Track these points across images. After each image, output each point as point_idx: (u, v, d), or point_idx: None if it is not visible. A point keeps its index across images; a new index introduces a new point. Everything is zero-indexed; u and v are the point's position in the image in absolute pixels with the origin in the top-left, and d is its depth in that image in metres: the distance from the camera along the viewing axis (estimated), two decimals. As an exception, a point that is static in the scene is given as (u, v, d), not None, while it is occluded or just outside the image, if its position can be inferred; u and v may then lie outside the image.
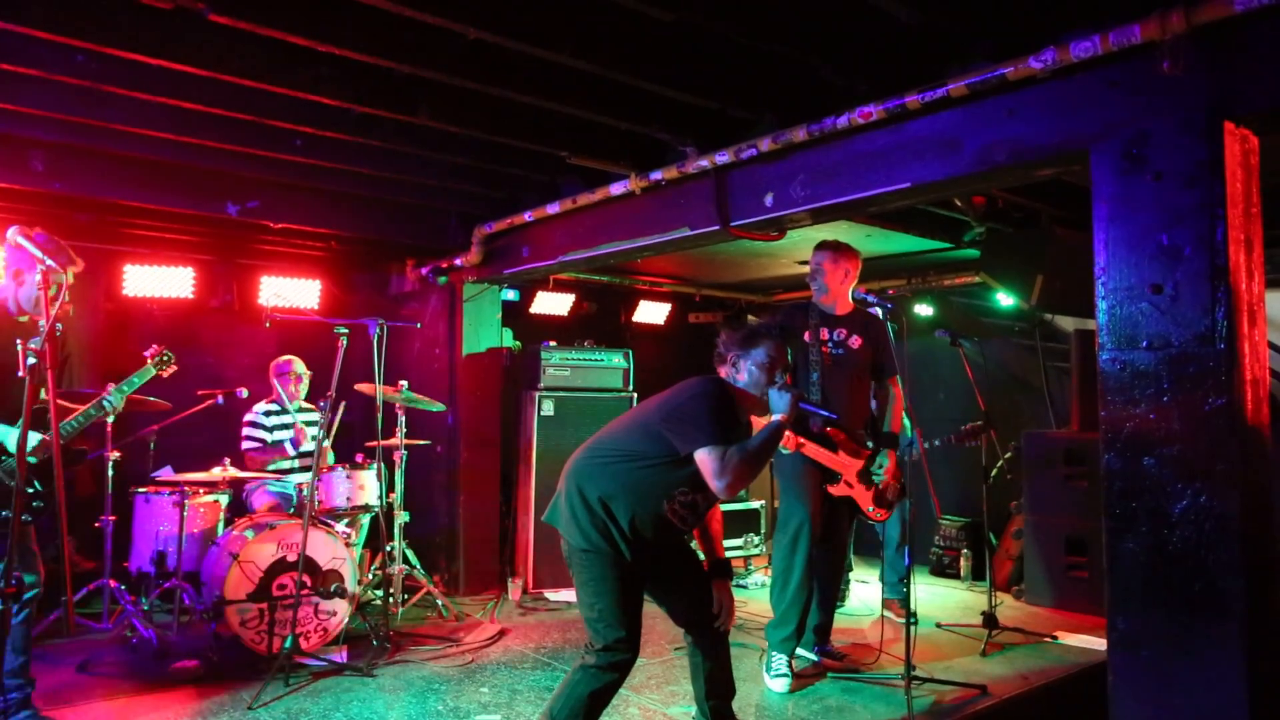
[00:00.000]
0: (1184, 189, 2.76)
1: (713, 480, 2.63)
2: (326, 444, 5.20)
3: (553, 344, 6.26)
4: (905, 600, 3.99)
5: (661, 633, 4.88)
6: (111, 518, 4.77)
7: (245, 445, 5.26)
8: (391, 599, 4.87)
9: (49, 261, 2.69)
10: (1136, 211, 2.86)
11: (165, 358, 3.80)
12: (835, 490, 4.11)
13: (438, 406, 5.35)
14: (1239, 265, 2.72)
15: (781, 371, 2.87)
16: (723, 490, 2.63)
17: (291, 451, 5.25)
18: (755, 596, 5.92)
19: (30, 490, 3.24)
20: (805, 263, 6.31)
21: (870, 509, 4.17)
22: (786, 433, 3.84)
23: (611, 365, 6.36)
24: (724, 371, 2.94)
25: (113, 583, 4.71)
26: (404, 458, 5.14)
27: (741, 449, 2.66)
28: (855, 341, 4.22)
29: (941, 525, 6.76)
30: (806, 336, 4.12)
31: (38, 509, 3.28)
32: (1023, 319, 6.81)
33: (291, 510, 4.89)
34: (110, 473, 4.78)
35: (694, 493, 2.80)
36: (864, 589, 6.04)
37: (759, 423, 2.88)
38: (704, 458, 2.64)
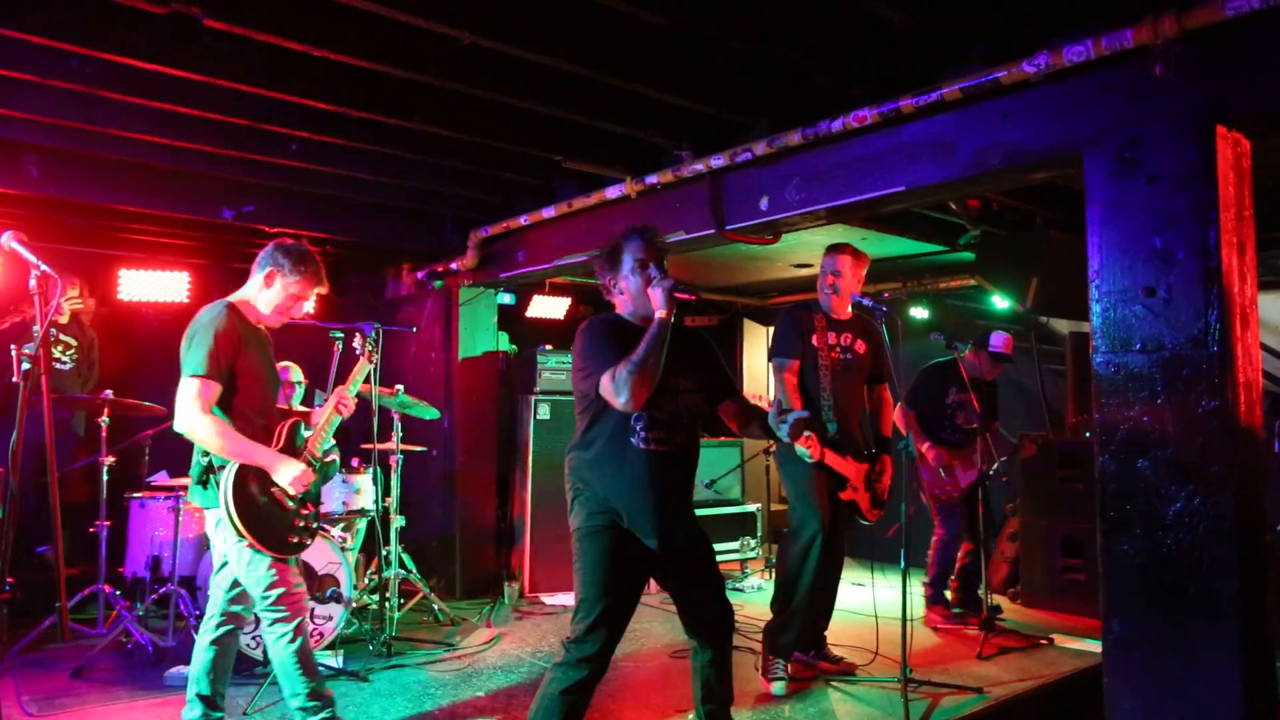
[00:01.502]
0: (1177, 192, 2.77)
1: (614, 400, 2.60)
2: (335, 450, 5.19)
3: (549, 348, 6.26)
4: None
5: (658, 637, 4.88)
6: (106, 523, 4.76)
7: None
8: (387, 603, 4.86)
9: (44, 267, 2.68)
10: (1130, 215, 2.88)
11: (372, 345, 3.88)
12: (844, 495, 4.14)
13: (432, 413, 5.35)
14: (1232, 268, 2.73)
15: (655, 266, 2.78)
16: (626, 405, 2.59)
17: None
18: (752, 600, 5.92)
19: None
20: (802, 266, 6.39)
21: (867, 510, 4.22)
22: (813, 441, 3.87)
23: (607, 369, 6.35)
24: (616, 303, 2.92)
25: (108, 588, 4.70)
26: (400, 462, 5.14)
27: (628, 361, 2.59)
28: (860, 346, 4.26)
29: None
30: (815, 340, 4.13)
31: None
32: (1018, 322, 6.83)
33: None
34: (105, 478, 4.77)
35: (650, 411, 2.69)
36: (858, 591, 6.04)
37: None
38: (606, 385, 2.61)
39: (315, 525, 3.29)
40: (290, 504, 3.18)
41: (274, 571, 3.10)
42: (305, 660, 3.14)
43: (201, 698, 3.21)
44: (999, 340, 5.37)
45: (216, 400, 3.06)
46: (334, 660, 4.34)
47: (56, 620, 4.37)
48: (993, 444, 5.13)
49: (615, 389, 2.59)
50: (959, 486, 5.23)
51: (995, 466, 5.08)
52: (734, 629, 3.00)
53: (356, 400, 3.51)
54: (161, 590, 4.53)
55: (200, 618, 4.19)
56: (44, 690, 3.96)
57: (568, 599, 5.81)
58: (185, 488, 4.62)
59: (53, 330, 2.72)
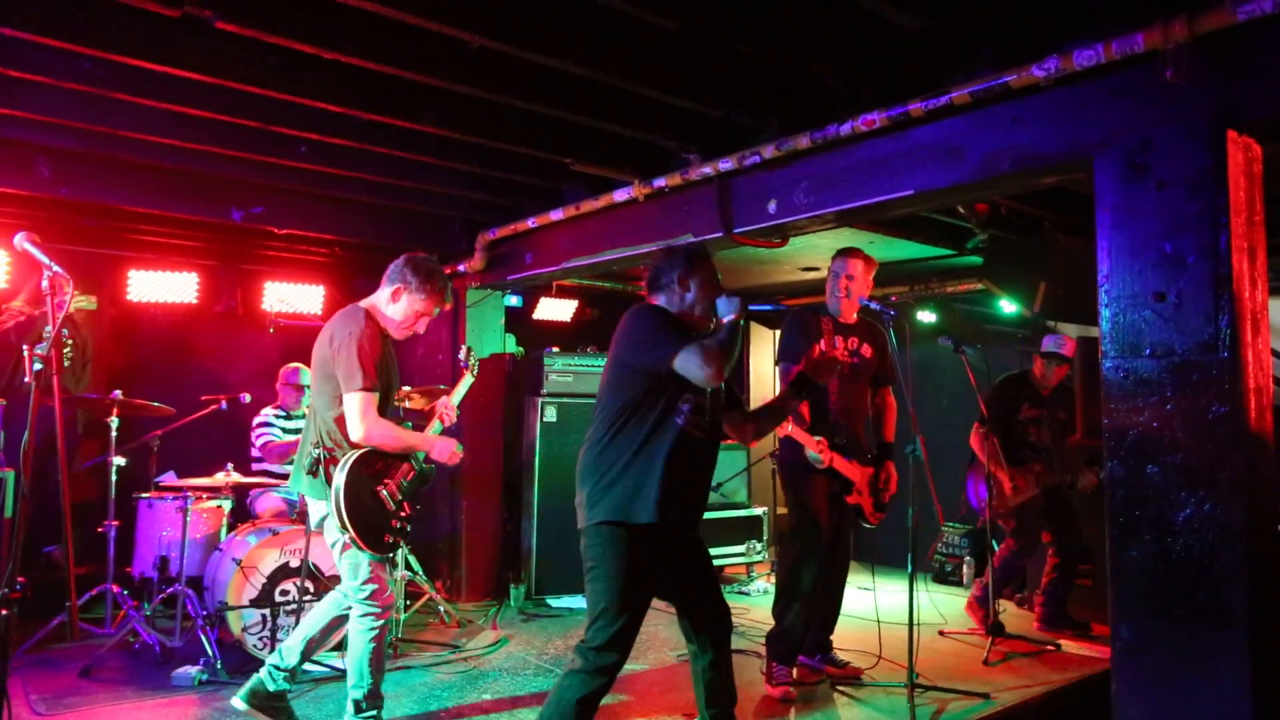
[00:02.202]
0: (1187, 197, 2.76)
1: (697, 371, 2.70)
2: None
3: (555, 350, 6.27)
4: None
5: (663, 640, 4.87)
6: (115, 523, 4.78)
7: (264, 438, 5.29)
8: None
9: (55, 268, 2.70)
10: (1140, 219, 2.87)
11: (474, 361, 4.09)
12: (849, 499, 4.14)
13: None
14: (1242, 273, 2.72)
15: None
16: (710, 378, 2.72)
17: None
18: (757, 604, 5.91)
19: None
20: (809, 269, 6.38)
21: (871, 514, 4.23)
22: (823, 445, 3.93)
23: (614, 371, 6.35)
24: (661, 299, 3.01)
25: (116, 588, 4.72)
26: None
27: (713, 339, 2.77)
28: (866, 351, 4.26)
29: (944, 532, 6.75)
30: (822, 344, 4.12)
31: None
32: (1025, 326, 6.80)
33: (294, 516, 4.89)
34: (114, 477, 4.79)
35: (693, 396, 2.84)
36: (863, 595, 6.02)
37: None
38: (684, 359, 2.71)
39: (409, 528, 3.41)
40: (392, 504, 3.35)
41: (371, 567, 3.30)
42: (378, 659, 3.34)
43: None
44: (1049, 341, 5.25)
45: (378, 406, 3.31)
46: (340, 661, 4.35)
47: (65, 619, 4.40)
48: (1056, 465, 5.08)
49: (704, 359, 2.69)
50: (1006, 505, 5.07)
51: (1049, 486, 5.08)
52: (732, 629, 3.02)
53: (458, 410, 3.80)
54: (169, 590, 4.55)
55: (208, 618, 4.23)
56: (52, 689, 3.98)
57: (574, 601, 5.82)
58: (194, 488, 4.65)
59: (48, 331, 2.73)
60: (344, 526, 3.20)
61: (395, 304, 3.40)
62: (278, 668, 3.45)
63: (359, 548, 3.23)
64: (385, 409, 3.38)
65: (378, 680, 3.36)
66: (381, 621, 3.33)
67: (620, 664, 2.74)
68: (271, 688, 3.44)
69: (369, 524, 3.26)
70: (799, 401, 3.23)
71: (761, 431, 3.20)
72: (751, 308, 3.05)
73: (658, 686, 4.16)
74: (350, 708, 3.35)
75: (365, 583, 3.30)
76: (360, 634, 3.31)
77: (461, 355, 4.10)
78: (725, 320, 2.86)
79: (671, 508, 2.78)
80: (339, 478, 3.22)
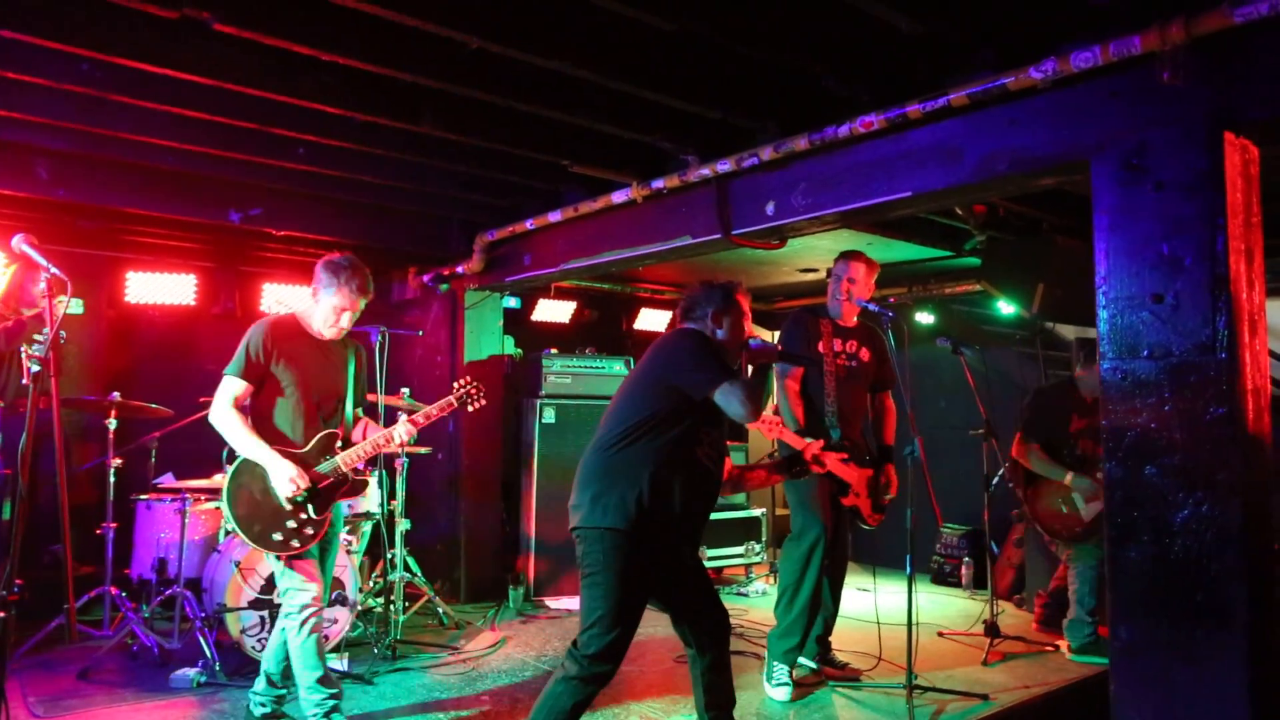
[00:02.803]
0: (1184, 199, 2.77)
1: (738, 408, 2.76)
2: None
3: (554, 351, 6.27)
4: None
5: (661, 641, 4.87)
6: (113, 525, 4.77)
7: None
8: (392, 606, 4.86)
9: (53, 270, 2.70)
10: (1137, 221, 2.87)
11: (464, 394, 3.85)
12: (847, 501, 4.14)
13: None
14: (1240, 275, 2.72)
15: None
16: (748, 416, 2.78)
17: None
18: (756, 605, 5.91)
19: None
20: (808, 271, 6.38)
21: (869, 516, 4.23)
22: (816, 450, 3.92)
23: (613, 373, 6.36)
24: (691, 328, 3.05)
25: (114, 590, 4.71)
26: (405, 465, 5.14)
27: (749, 379, 2.88)
28: (864, 354, 4.27)
29: (943, 533, 6.76)
30: (820, 347, 4.12)
31: None
32: (1024, 327, 6.81)
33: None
34: (112, 479, 4.79)
35: (714, 430, 2.92)
36: (862, 596, 6.03)
37: None
38: (727, 392, 2.76)
39: (313, 532, 3.36)
40: (287, 505, 3.30)
41: (287, 564, 3.32)
42: (308, 654, 3.33)
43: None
44: None
45: (245, 398, 3.33)
46: (339, 663, 4.35)
47: (64, 622, 4.39)
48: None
49: (746, 397, 2.76)
50: (1081, 520, 4.66)
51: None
52: (730, 631, 3.02)
53: (412, 438, 3.67)
54: (167, 592, 4.54)
55: (206, 619, 4.23)
56: (50, 691, 3.97)
57: (572, 603, 5.82)
58: (192, 490, 4.65)
59: (42, 333, 2.74)
60: (227, 519, 3.29)
61: (316, 303, 3.45)
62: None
63: (247, 543, 3.31)
64: (301, 411, 3.38)
65: (323, 670, 3.37)
66: (298, 620, 3.31)
67: (613, 672, 2.75)
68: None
69: (254, 519, 3.28)
70: (785, 476, 3.32)
71: (738, 488, 3.28)
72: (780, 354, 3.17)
73: (656, 688, 4.15)
74: (307, 707, 3.37)
75: (281, 582, 3.37)
76: (288, 637, 3.34)
77: (457, 385, 3.84)
78: (755, 365, 2.96)
79: (674, 527, 2.82)
80: (228, 472, 3.32)
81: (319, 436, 3.41)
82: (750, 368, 2.99)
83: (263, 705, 3.55)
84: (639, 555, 2.75)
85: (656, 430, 2.81)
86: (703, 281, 3.12)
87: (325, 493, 3.39)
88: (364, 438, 3.57)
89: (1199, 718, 2.69)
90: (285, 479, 3.25)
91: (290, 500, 3.28)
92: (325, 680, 3.37)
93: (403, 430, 3.56)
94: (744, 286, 3.13)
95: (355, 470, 3.48)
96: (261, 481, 3.30)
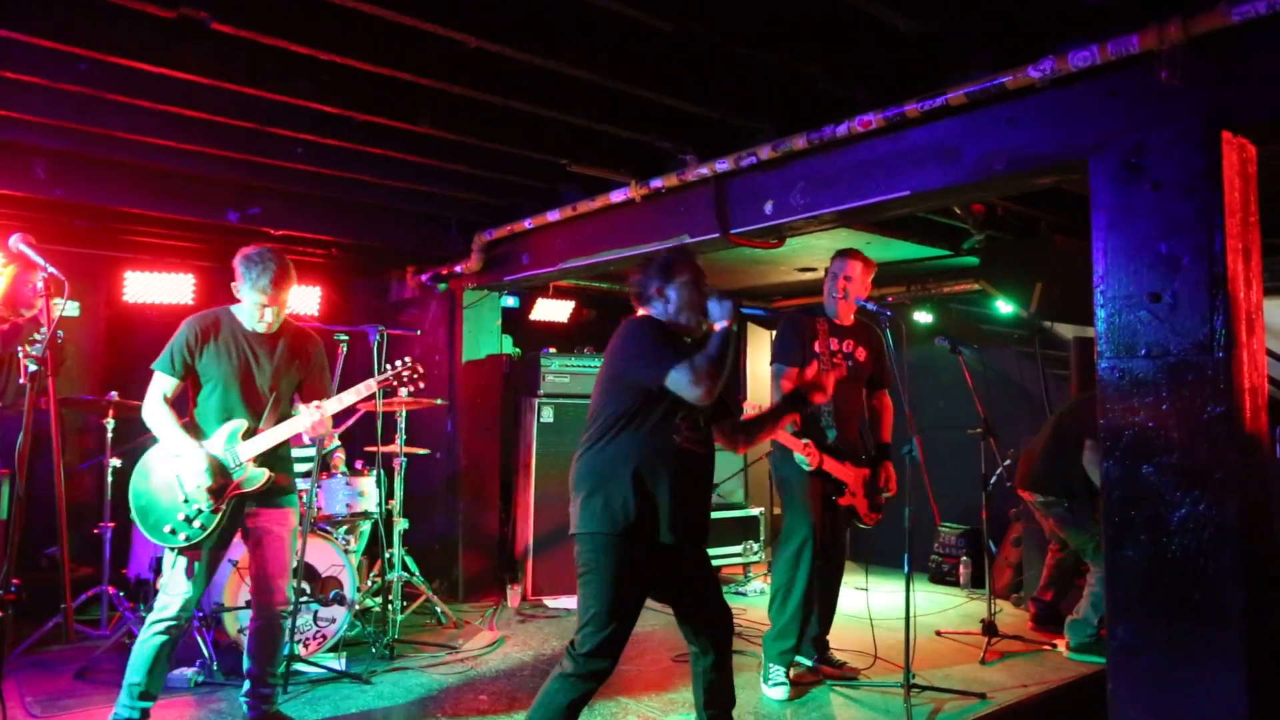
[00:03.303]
0: (1182, 198, 2.77)
1: (688, 390, 2.67)
2: (339, 450, 5.20)
3: (552, 351, 6.27)
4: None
5: (660, 641, 4.88)
6: (110, 524, 4.77)
7: None
8: (390, 606, 4.86)
9: (51, 269, 2.70)
10: (1135, 220, 2.87)
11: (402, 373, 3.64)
12: (843, 501, 4.14)
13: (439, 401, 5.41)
14: (1237, 274, 2.73)
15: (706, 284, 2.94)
16: (701, 398, 2.68)
17: (306, 440, 5.25)
18: (754, 604, 5.91)
19: None
20: (806, 270, 6.38)
21: (866, 515, 4.23)
22: (810, 449, 3.93)
23: (611, 372, 6.35)
24: (650, 311, 2.97)
25: (111, 589, 4.71)
26: (403, 465, 5.14)
27: (704, 355, 2.69)
28: (861, 354, 4.27)
29: (941, 532, 6.77)
30: (817, 346, 4.12)
31: None
32: (1022, 326, 6.82)
33: (291, 517, 4.88)
34: (109, 479, 4.78)
35: (690, 413, 2.83)
36: (859, 596, 6.03)
37: None
38: (676, 377, 2.68)
39: (202, 525, 3.25)
40: (181, 494, 3.26)
41: (170, 562, 3.30)
42: (140, 659, 3.23)
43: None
44: None
45: (172, 391, 3.32)
46: (337, 662, 4.34)
47: (61, 621, 4.39)
48: None
49: (695, 378, 2.65)
50: None
51: None
52: (734, 632, 3.00)
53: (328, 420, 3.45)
54: (164, 592, 4.53)
55: (203, 619, 4.22)
56: (47, 691, 3.97)
57: (570, 602, 5.81)
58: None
59: (40, 333, 2.75)
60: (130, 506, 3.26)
61: (240, 300, 3.40)
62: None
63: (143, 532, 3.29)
64: (228, 404, 3.33)
65: (146, 684, 3.24)
66: (150, 622, 3.23)
67: (610, 669, 2.74)
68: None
69: (149, 508, 3.27)
70: (791, 415, 3.19)
71: (750, 442, 3.17)
72: (744, 310, 2.96)
73: (654, 687, 4.15)
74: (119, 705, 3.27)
75: (162, 580, 3.32)
76: (142, 630, 3.26)
77: (389, 366, 3.64)
78: (717, 327, 2.79)
79: (668, 522, 2.76)
80: (143, 457, 3.32)
81: (227, 427, 3.32)
82: (714, 336, 2.77)
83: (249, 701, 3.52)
84: (630, 554, 2.74)
85: (629, 426, 2.78)
86: (642, 258, 3.06)
87: (226, 487, 3.29)
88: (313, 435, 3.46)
89: (1197, 716, 2.69)
90: (195, 470, 3.21)
91: (195, 491, 3.23)
92: (143, 695, 3.25)
93: (305, 419, 3.35)
94: (689, 249, 3.00)
95: (260, 463, 3.32)
96: (168, 472, 3.27)
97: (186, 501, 3.26)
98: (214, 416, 3.35)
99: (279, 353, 3.45)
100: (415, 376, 3.63)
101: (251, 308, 3.36)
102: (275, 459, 3.40)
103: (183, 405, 3.40)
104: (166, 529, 3.26)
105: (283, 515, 3.46)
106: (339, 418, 4.89)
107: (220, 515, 3.28)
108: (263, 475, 3.31)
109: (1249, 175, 2.85)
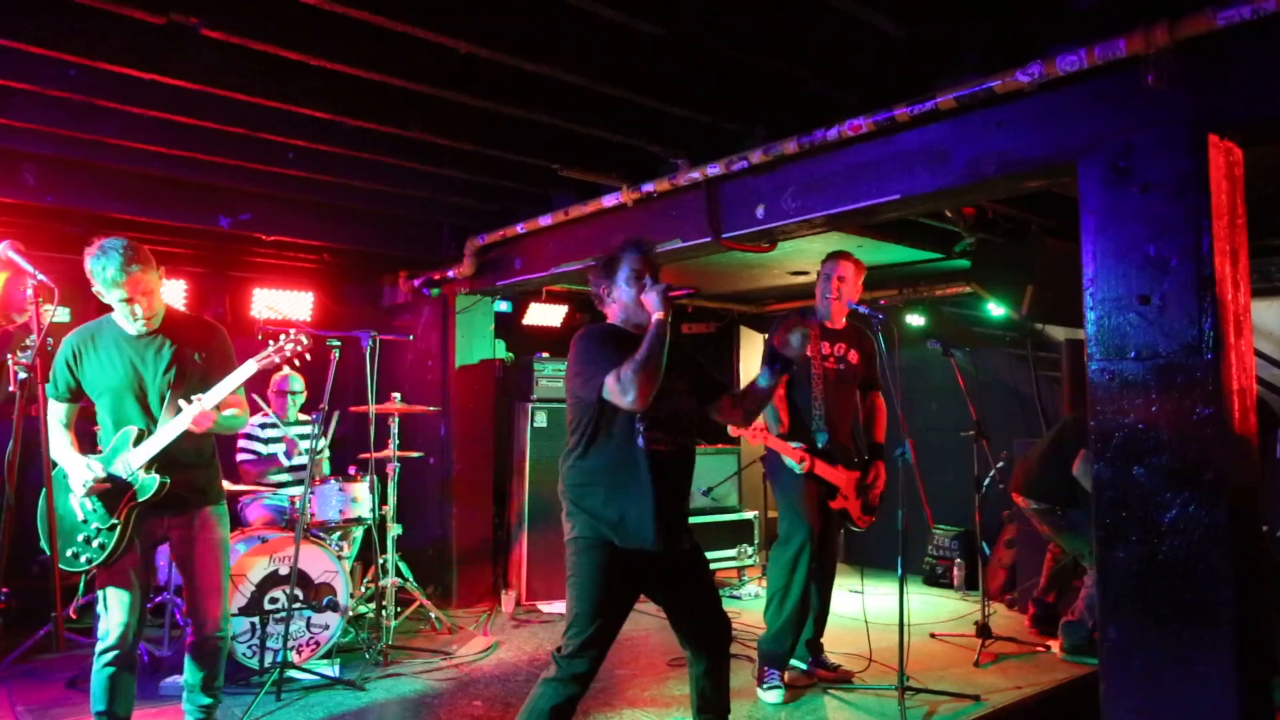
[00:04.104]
0: (1170, 201, 2.78)
1: (619, 400, 2.64)
2: (325, 455, 5.18)
3: (545, 356, 6.27)
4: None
5: (655, 645, 4.87)
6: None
7: (240, 458, 5.25)
8: (384, 612, 4.85)
9: (40, 276, 2.69)
10: (1124, 223, 2.89)
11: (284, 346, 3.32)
12: (835, 504, 4.15)
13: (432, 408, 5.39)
14: (1225, 276, 2.74)
15: (650, 276, 2.85)
16: (633, 404, 2.62)
17: (285, 463, 5.24)
18: (749, 608, 5.92)
19: None
20: (798, 273, 6.39)
21: (859, 518, 4.24)
22: (801, 454, 3.93)
23: (604, 376, 6.35)
24: (608, 312, 2.97)
25: (103, 597, 4.67)
26: (397, 470, 5.14)
27: (631, 362, 2.62)
28: (853, 356, 4.28)
29: (934, 535, 6.78)
30: (809, 350, 4.13)
31: None
32: (1014, 329, 6.84)
33: (284, 524, 4.87)
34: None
35: (656, 412, 2.74)
36: (854, 598, 6.04)
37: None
38: (609, 388, 2.65)
39: (103, 544, 3.06)
40: (82, 514, 3.09)
41: (99, 589, 3.10)
42: (97, 688, 3.14)
43: None
44: None
45: (66, 416, 3.18)
46: (330, 669, 4.34)
47: (52, 630, 4.36)
48: None
49: (621, 388, 2.62)
50: None
51: None
52: (731, 638, 2.99)
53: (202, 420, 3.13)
54: (157, 599, 4.52)
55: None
56: (38, 700, 3.95)
57: (564, 607, 5.81)
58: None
59: (33, 339, 2.73)
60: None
61: (108, 303, 3.17)
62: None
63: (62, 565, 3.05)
64: (119, 414, 3.15)
65: (112, 707, 3.16)
66: (98, 650, 3.10)
67: (593, 673, 2.73)
68: None
69: (59, 532, 3.03)
70: (778, 376, 3.00)
71: (751, 415, 3.08)
72: (673, 295, 2.83)
73: (649, 693, 4.15)
74: None
75: (98, 609, 3.11)
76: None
77: (281, 339, 3.30)
78: (653, 320, 2.70)
79: (650, 528, 2.73)
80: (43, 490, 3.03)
81: (117, 435, 3.13)
82: (646, 334, 2.67)
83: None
84: (610, 559, 2.74)
85: (596, 437, 2.78)
86: (596, 258, 2.99)
87: (115, 494, 3.08)
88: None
89: (1188, 716, 2.70)
90: (78, 480, 3.03)
91: (82, 500, 3.06)
92: (113, 718, 3.16)
93: (186, 415, 3.07)
94: (641, 242, 2.92)
95: (159, 470, 3.09)
96: (63, 494, 3.09)
97: (85, 522, 3.09)
98: (110, 430, 3.16)
99: (166, 349, 3.18)
100: (298, 349, 3.29)
101: (118, 305, 3.09)
102: (178, 465, 3.14)
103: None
104: (70, 553, 3.08)
105: (201, 525, 3.21)
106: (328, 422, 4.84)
107: (119, 532, 3.06)
108: (154, 482, 3.07)
109: (1236, 178, 2.86)
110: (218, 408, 3.12)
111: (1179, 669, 2.72)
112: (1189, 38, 2.66)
